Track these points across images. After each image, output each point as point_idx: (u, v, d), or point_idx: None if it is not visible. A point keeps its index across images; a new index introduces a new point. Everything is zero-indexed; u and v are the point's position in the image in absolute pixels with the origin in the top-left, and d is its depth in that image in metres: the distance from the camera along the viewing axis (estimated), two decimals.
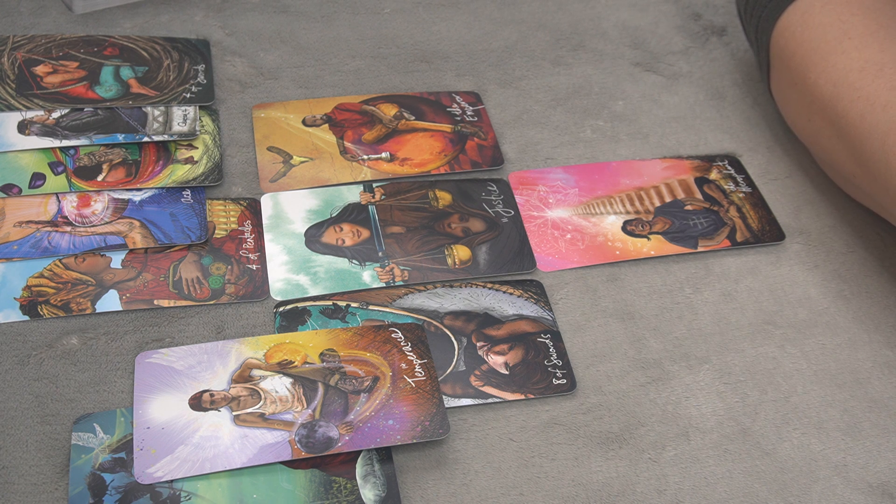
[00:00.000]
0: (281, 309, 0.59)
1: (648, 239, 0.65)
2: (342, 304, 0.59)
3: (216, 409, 0.53)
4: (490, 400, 0.56)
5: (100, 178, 0.63)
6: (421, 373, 0.55)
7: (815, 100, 0.64)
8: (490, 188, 0.67)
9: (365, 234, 0.63)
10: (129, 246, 0.60)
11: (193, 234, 0.61)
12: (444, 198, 0.66)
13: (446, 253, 0.63)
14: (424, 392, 0.54)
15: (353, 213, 0.64)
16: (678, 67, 0.79)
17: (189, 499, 0.50)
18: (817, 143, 0.67)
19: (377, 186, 0.66)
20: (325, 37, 0.77)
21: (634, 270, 0.64)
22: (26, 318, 0.57)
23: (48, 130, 0.64)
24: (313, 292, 0.60)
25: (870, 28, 0.63)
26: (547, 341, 0.59)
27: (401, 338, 0.57)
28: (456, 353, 0.58)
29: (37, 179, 0.62)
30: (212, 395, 0.53)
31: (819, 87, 0.64)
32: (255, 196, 0.65)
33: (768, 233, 0.67)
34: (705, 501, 0.53)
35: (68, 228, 0.60)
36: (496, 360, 0.58)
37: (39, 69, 0.68)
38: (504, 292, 0.61)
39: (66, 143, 0.64)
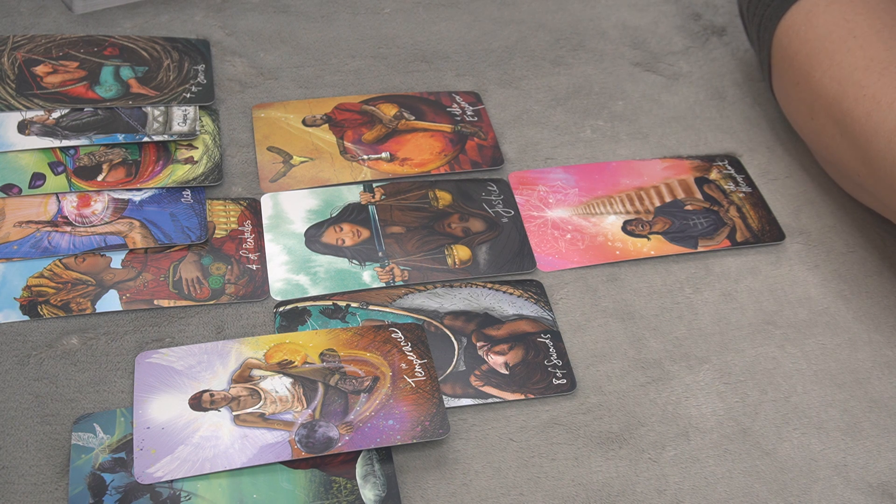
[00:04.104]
0: (281, 309, 0.59)
1: (648, 239, 0.65)
2: (342, 304, 0.59)
3: (216, 409, 0.53)
4: (490, 400, 0.56)
5: (100, 178, 0.63)
6: (421, 373, 0.55)
7: (819, 98, 0.64)
8: (490, 188, 0.67)
9: (365, 234, 0.63)
10: (129, 246, 0.60)
11: (193, 234, 0.61)
12: (444, 198, 0.66)
13: (446, 253, 0.63)
14: (424, 392, 0.54)
15: (353, 213, 0.64)
16: (678, 67, 0.79)
17: (189, 499, 0.50)
18: (820, 141, 0.67)
19: (377, 186, 0.66)
20: (325, 37, 0.77)
21: (634, 270, 0.64)
22: (26, 318, 0.57)
23: (48, 130, 0.64)
24: (313, 292, 0.60)
25: (874, 27, 0.63)
26: (547, 341, 0.59)
27: (401, 338, 0.57)
28: (456, 353, 0.58)
29: (37, 179, 0.62)
30: (212, 395, 0.53)
31: (823, 86, 0.64)
32: (255, 196, 0.65)
33: (768, 233, 0.67)
34: (705, 501, 0.53)
35: (68, 228, 0.60)
36: (496, 360, 0.58)
37: (39, 69, 0.68)
38: (504, 292, 0.61)
39: (66, 143, 0.64)
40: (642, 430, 0.56)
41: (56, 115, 0.66)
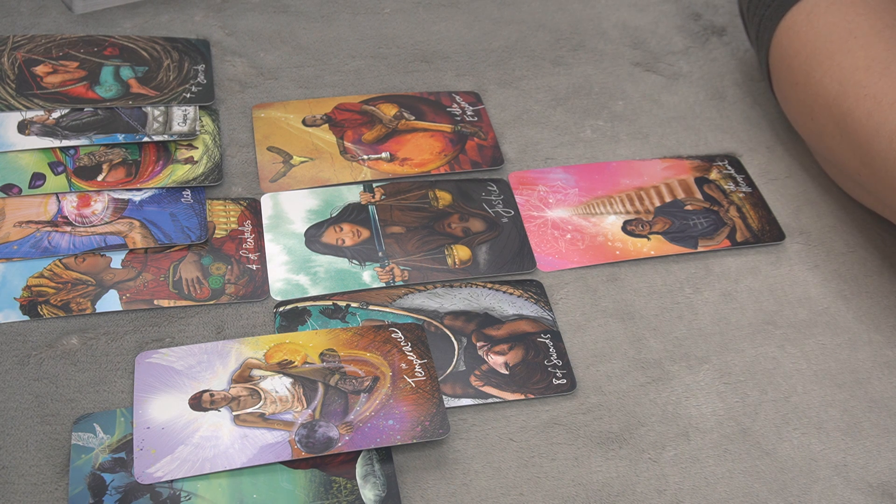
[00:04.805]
0: (281, 309, 0.59)
1: (648, 239, 0.65)
2: (342, 304, 0.59)
3: (216, 409, 0.53)
4: (490, 400, 0.56)
5: (100, 178, 0.63)
6: (421, 373, 0.55)
7: (819, 98, 0.64)
8: (490, 188, 0.67)
9: (365, 234, 0.63)
10: (129, 246, 0.60)
11: (193, 234, 0.61)
12: (444, 198, 0.66)
13: (446, 253, 0.63)
14: (424, 392, 0.55)
15: (353, 213, 0.64)
16: (678, 67, 0.79)
17: (189, 499, 0.50)
18: (820, 141, 0.67)
19: (377, 186, 0.66)
20: (325, 37, 0.77)
21: (634, 270, 0.64)
22: (26, 318, 0.57)
23: (48, 130, 0.65)
24: (313, 292, 0.60)
25: (875, 27, 0.63)
26: (547, 341, 0.59)
27: (401, 338, 0.57)
28: (456, 353, 0.58)
29: (37, 179, 0.62)
30: (212, 395, 0.53)
31: (824, 86, 0.64)
32: (255, 196, 0.65)
33: (768, 233, 0.67)
34: (705, 501, 0.53)
35: (68, 228, 0.60)
36: (496, 360, 0.58)
37: (39, 69, 0.68)
38: (504, 292, 0.61)
39: (66, 143, 0.64)
40: (642, 430, 0.56)
41: (56, 115, 0.66)
